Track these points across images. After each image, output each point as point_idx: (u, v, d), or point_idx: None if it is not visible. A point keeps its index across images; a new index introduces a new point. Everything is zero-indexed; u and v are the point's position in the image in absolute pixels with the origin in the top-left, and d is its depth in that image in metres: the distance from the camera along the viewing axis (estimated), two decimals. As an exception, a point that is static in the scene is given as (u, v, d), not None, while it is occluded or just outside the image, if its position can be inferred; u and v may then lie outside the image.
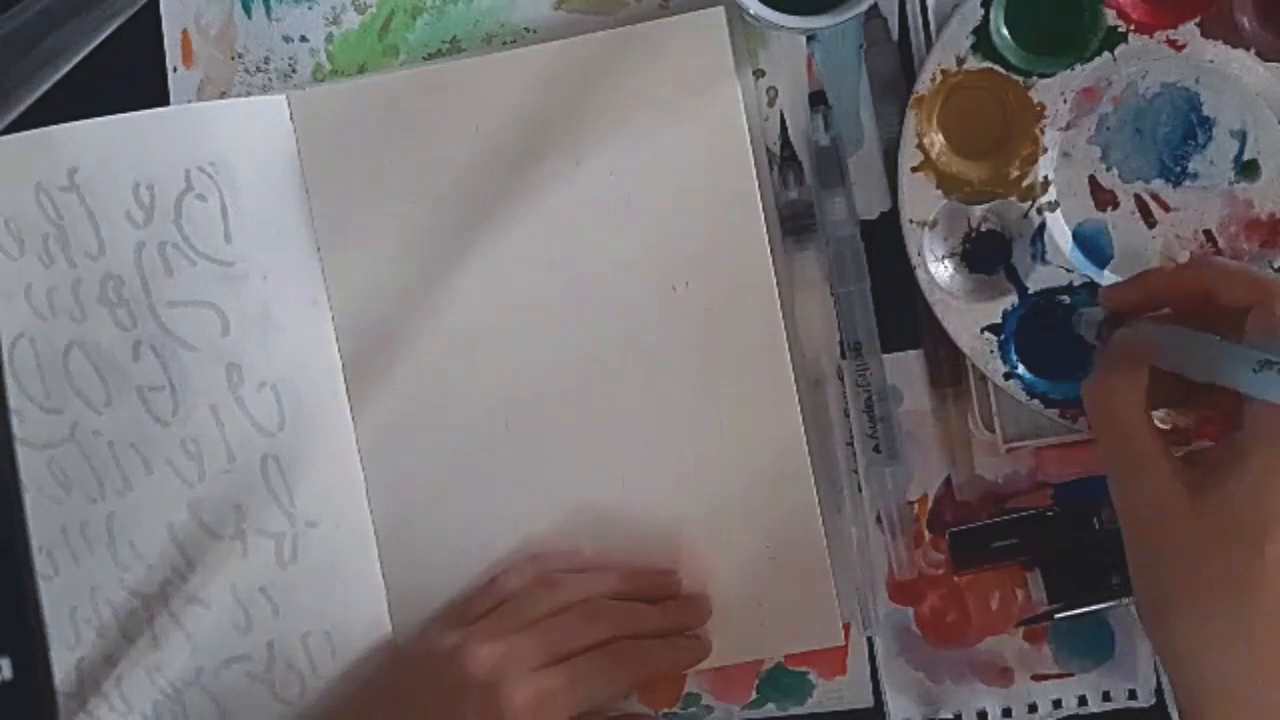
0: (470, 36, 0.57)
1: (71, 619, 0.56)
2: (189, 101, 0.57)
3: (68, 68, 0.56)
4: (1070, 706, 0.57)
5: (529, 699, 0.50)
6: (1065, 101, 0.53)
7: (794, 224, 0.56)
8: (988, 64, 0.53)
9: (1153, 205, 0.54)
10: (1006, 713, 0.57)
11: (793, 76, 0.56)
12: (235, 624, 0.55)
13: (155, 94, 0.57)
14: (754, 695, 0.57)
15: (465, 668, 0.50)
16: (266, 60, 0.58)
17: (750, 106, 0.56)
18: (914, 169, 0.54)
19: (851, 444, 0.56)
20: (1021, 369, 0.54)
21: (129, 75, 0.57)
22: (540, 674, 0.51)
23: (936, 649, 0.57)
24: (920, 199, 0.54)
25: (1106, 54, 0.53)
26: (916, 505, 0.57)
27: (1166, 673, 0.46)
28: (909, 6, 0.56)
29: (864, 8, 0.51)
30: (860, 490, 0.56)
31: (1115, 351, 0.46)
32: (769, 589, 0.54)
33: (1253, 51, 0.52)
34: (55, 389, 0.56)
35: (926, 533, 0.57)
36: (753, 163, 0.55)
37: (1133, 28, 0.53)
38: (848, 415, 0.56)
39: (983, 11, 0.53)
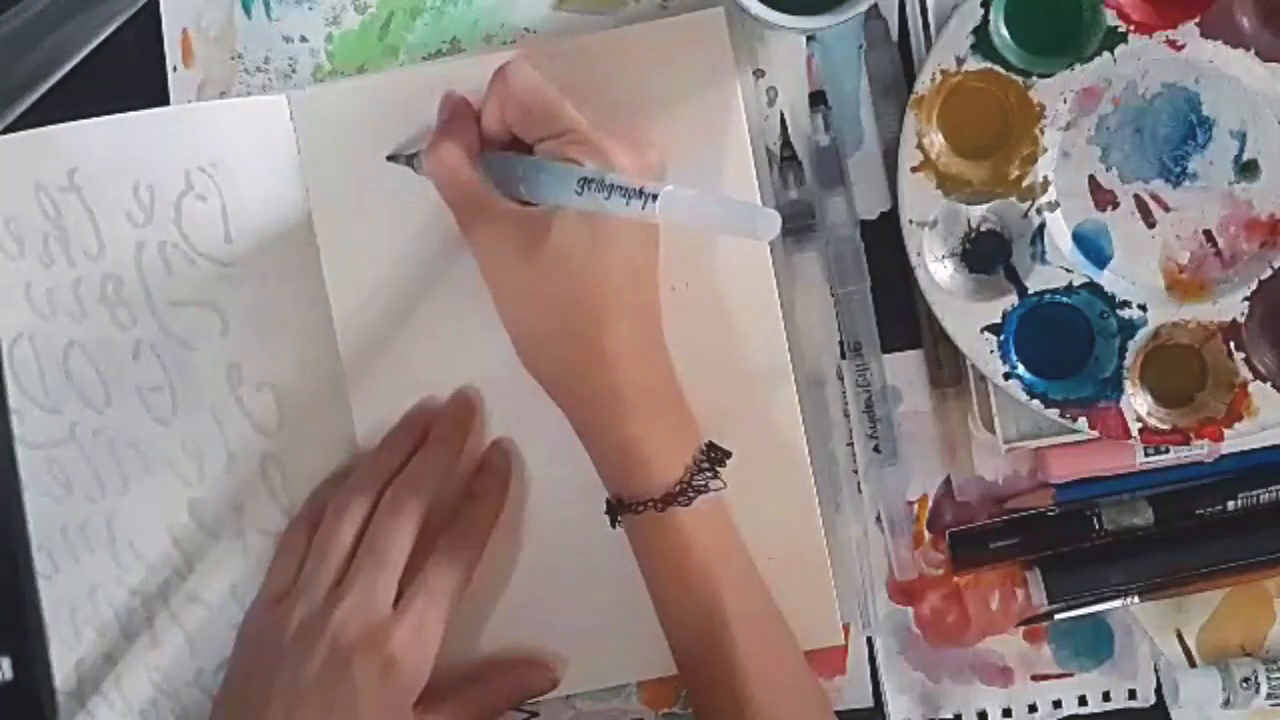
0: (470, 36, 0.57)
1: (71, 619, 0.56)
2: (189, 101, 0.57)
3: (68, 68, 0.57)
4: (1070, 706, 0.57)
5: (405, 634, 0.49)
6: (1065, 101, 0.53)
7: (794, 224, 0.56)
8: (988, 64, 0.53)
9: (1152, 205, 0.54)
10: (1006, 713, 0.57)
11: (793, 76, 0.56)
12: (235, 624, 0.55)
13: (155, 94, 0.57)
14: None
15: (332, 634, 0.49)
16: (266, 60, 0.58)
17: (750, 106, 0.56)
18: (914, 169, 0.54)
19: (851, 444, 0.56)
20: (1021, 369, 0.54)
21: (129, 75, 0.57)
22: (401, 610, 0.50)
23: (936, 649, 0.57)
24: (920, 199, 0.54)
25: (1106, 54, 0.53)
26: (916, 505, 0.57)
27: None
28: (909, 6, 0.56)
29: (864, 8, 0.51)
30: (860, 490, 0.56)
31: (448, 123, 0.52)
32: (769, 589, 0.54)
33: (1253, 51, 0.52)
34: (55, 389, 0.56)
35: (926, 533, 0.57)
36: (753, 163, 0.55)
37: (1133, 28, 0.53)
38: (848, 415, 0.56)
39: (983, 11, 0.53)
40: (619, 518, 0.52)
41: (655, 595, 0.52)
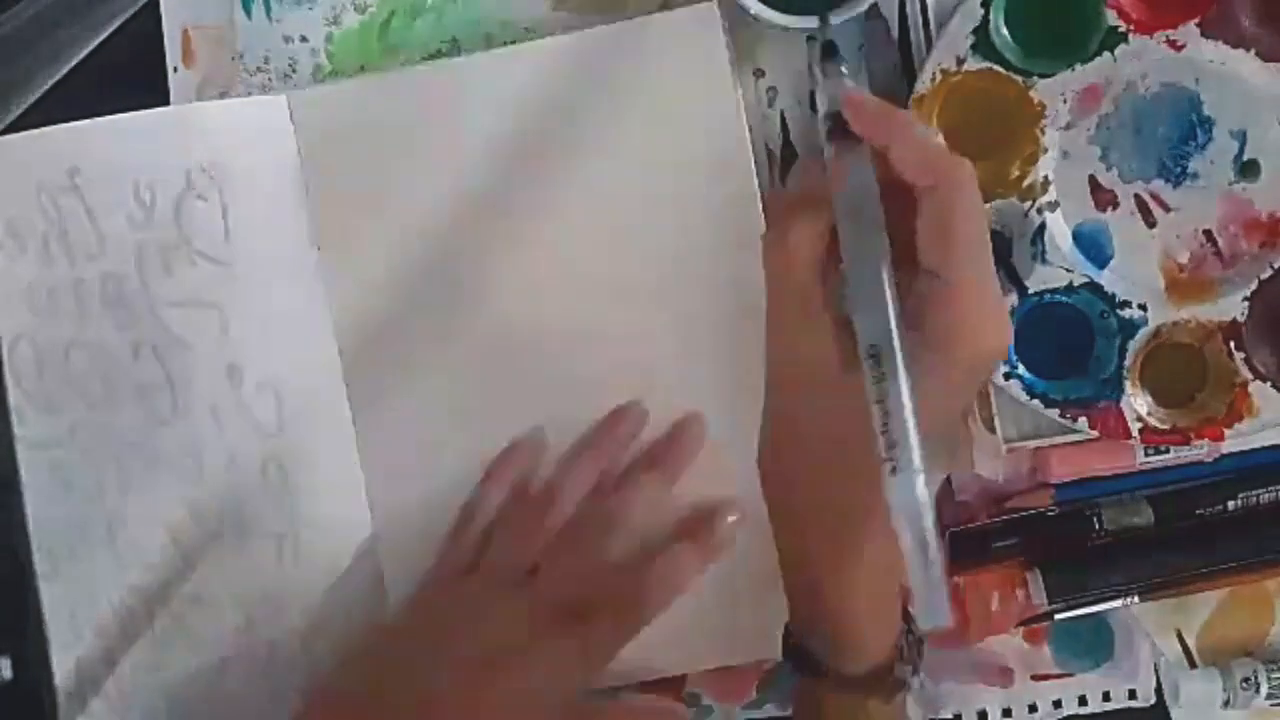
0: (470, 36, 0.57)
1: (71, 619, 0.56)
2: (189, 101, 0.57)
3: (68, 68, 0.57)
4: (1070, 706, 0.57)
5: (590, 640, 0.49)
6: (1065, 101, 0.53)
7: (794, 224, 0.56)
8: (988, 64, 0.53)
9: (1153, 205, 0.54)
10: (1006, 713, 0.57)
11: (793, 76, 0.56)
12: (235, 624, 0.55)
13: (155, 94, 0.57)
14: (754, 695, 0.57)
15: (492, 637, 0.49)
16: (266, 60, 0.58)
17: (750, 106, 0.56)
18: (914, 169, 0.54)
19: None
20: (1021, 369, 0.54)
21: (129, 75, 0.57)
22: (571, 633, 0.50)
23: (936, 649, 0.57)
24: (920, 199, 0.54)
25: (1106, 54, 0.53)
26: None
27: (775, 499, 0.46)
28: (909, 6, 0.56)
29: (864, 8, 0.51)
30: (860, 490, 0.56)
31: (800, 200, 0.43)
32: (769, 589, 0.54)
33: (1253, 51, 0.52)
34: (55, 389, 0.56)
35: (926, 533, 0.56)
36: (753, 163, 0.55)
37: (1133, 28, 0.53)
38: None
39: (983, 11, 0.53)
40: (807, 679, 0.47)
41: None
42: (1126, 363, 0.53)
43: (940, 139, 0.43)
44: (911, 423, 0.37)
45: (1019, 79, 0.53)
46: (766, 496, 0.46)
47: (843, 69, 0.44)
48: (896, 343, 0.38)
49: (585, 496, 0.54)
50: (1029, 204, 0.54)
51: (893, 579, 0.45)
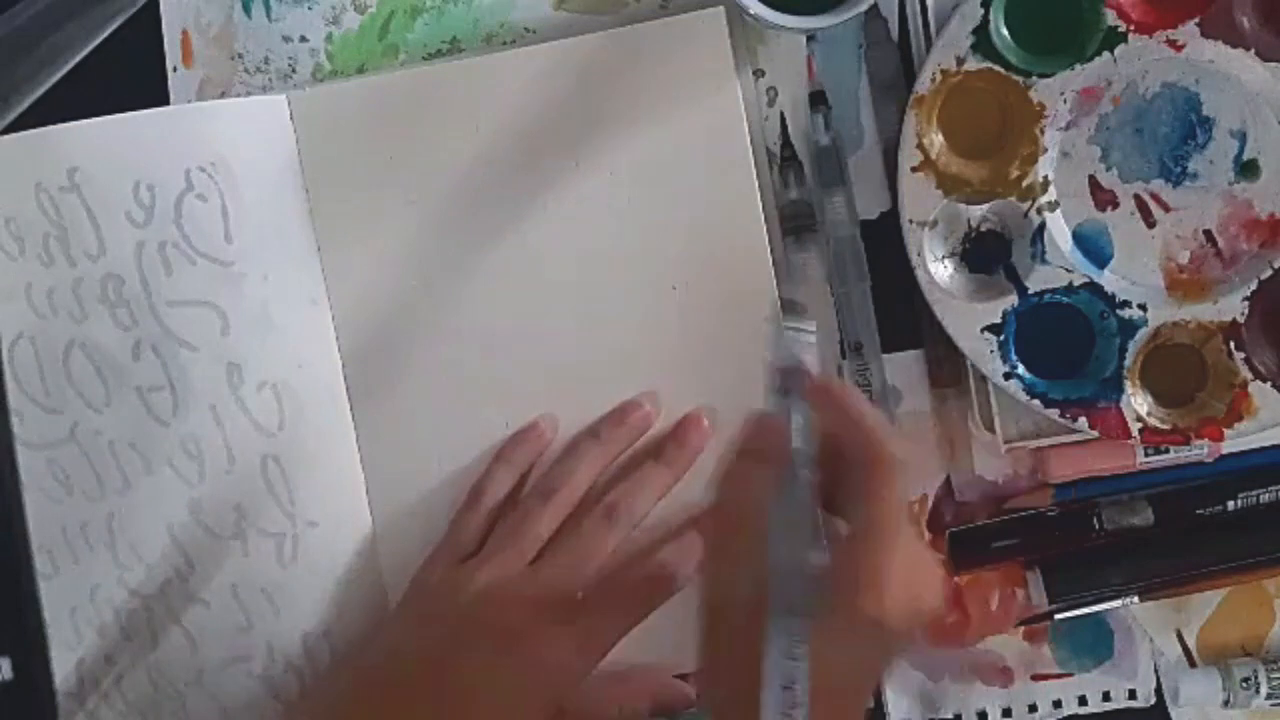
0: (470, 36, 0.57)
1: (71, 619, 0.56)
2: (189, 101, 0.57)
3: (68, 68, 0.57)
4: (1070, 706, 0.57)
5: (579, 637, 0.50)
6: (1065, 101, 0.53)
7: (794, 224, 0.56)
8: (988, 64, 0.53)
9: (1153, 205, 0.54)
10: (1006, 713, 0.57)
11: (793, 76, 0.56)
12: (235, 624, 0.55)
13: (155, 94, 0.57)
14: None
15: (491, 622, 0.50)
16: (266, 60, 0.58)
17: (750, 106, 0.56)
18: (914, 169, 0.54)
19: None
20: (1021, 369, 0.54)
21: (129, 75, 0.57)
22: (570, 621, 0.50)
23: (936, 649, 0.57)
24: (920, 199, 0.54)
25: (1106, 54, 0.53)
26: (916, 505, 0.57)
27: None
28: (909, 6, 0.56)
29: (864, 8, 0.51)
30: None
31: (758, 442, 0.45)
32: None
33: (1253, 51, 0.52)
34: (55, 389, 0.56)
35: (926, 533, 0.57)
36: (753, 163, 0.55)
37: (1133, 28, 0.53)
38: (848, 415, 0.56)
39: (983, 11, 0.53)
40: None
41: None
42: (1126, 363, 0.53)
43: (885, 422, 0.45)
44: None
45: (1019, 79, 0.53)
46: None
47: (802, 326, 0.45)
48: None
49: (591, 486, 0.54)
50: (1029, 204, 0.54)
51: None
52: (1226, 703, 0.55)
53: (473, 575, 0.52)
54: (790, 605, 0.41)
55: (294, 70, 0.58)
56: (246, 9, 0.58)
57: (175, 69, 0.58)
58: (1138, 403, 0.53)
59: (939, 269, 0.54)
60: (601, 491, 0.54)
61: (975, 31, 0.53)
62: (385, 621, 0.55)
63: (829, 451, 0.44)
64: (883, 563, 0.42)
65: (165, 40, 0.58)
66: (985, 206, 0.54)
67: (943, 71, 0.53)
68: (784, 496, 0.43)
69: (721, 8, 0.55)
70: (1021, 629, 0.57)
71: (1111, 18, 0.52)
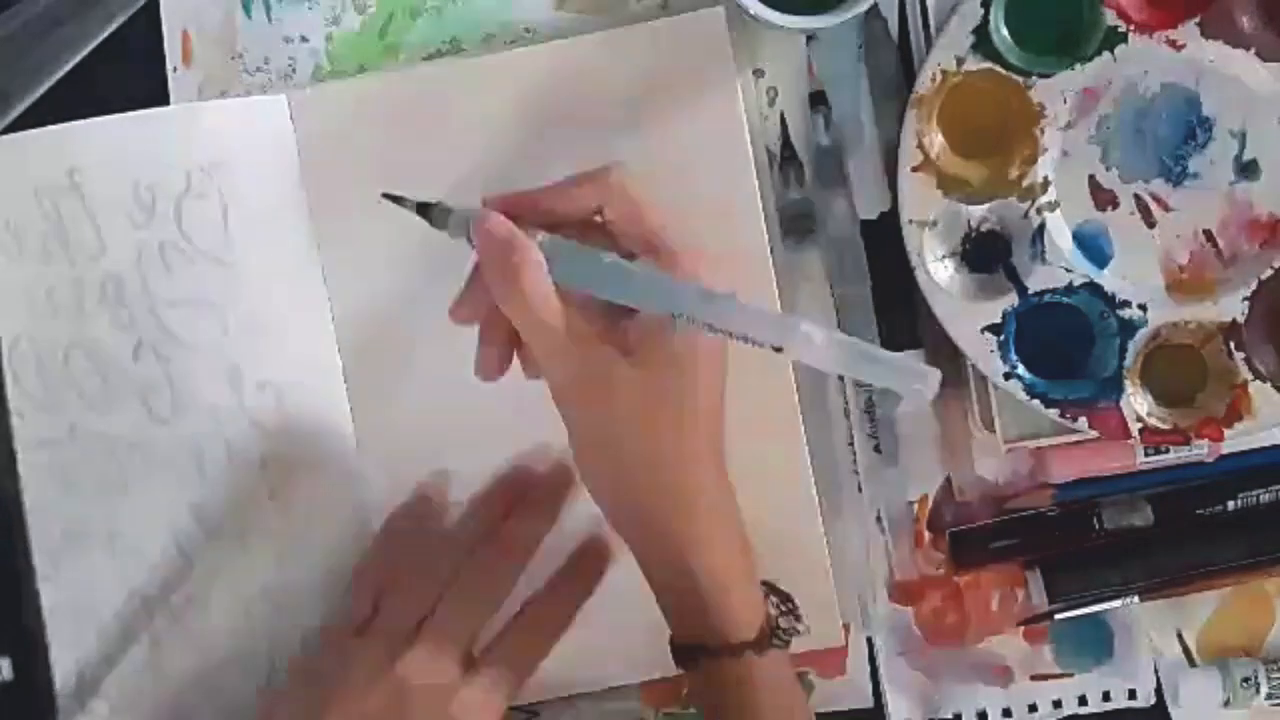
0: (470, 36, 0.57)
1: (71, 619, 0.56)
2: (189, 101, 0.57)
3: (68, 68, 0.57)
4: (1070, 706, 0.57)
5: (474, 697, 0.49)
6: (1065, 101, 0.53)
7: (794, 224, 0.56)
8: (988, 64, 0.53)
9: (1152, 205, 0.54)
10: (1006, 713, 0.57)
11: (793, 76, 0.56)
12: (235, 624, 0.55)
13: (155, 94, 0.57)
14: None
15: (400, 680, 0.49)
16: (266, 60, 0.58)
17: (750, 106, 0.56)
18: (914, 169, 0.54)
19: (852, 444, 0.56)
20: (1021, 369, 0.54)
21: (129, 75, 0.57)
22: (471, 674, 0.49)
23: (936, 649, 0.57)
24: (920, 199, 0.54)
25: (1106, 54, 0.53)
26: (916, 505, 0.57)
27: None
28: (909, 6, 0.56)
29: (864, 8, 0.51)
30: (860, 490, 0.56)
31: (508, 253, 0.46)
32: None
33: (1253, 51, 0.52)
34: (55, 389, 0.56)
35: (926, 533, 0.57)
36: (753, 163, 0.55)
37: (1133, 28, 0.53)
38: (848, 415, 0.56)
39: (983, 11, 0.53)
40: (690, 664, 0.49)
41: None
42: (1126, 363, 0.53)
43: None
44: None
45: (1019, 79, 0.53)
46: (597, 499, 0.49)
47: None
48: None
49: (474, 544, 0.53)
50: (1029, 204, 0.54)
51: (736, 529, 0.49)
52: (1226, 703, 0.55)
53: (362, 648, 0.50)
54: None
55: (294, 70, 0.58)
56: (246, 9, 0.58)
57: (175, 69, 0.58)
58: (1138, 403, 0.53)
59: (939, 269, 0.54)
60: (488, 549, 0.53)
61: (975, 31, 0.53)
62: (267, 704, 0.54)
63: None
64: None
65: (165, 40, 0.57)
66: (985, 206, 0.54)
67: (943, 71, 0.53)
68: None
69: (721, 8, 0.55)
70: (1021, 629, 0.57)
71: (1111, 18, 0.53)
